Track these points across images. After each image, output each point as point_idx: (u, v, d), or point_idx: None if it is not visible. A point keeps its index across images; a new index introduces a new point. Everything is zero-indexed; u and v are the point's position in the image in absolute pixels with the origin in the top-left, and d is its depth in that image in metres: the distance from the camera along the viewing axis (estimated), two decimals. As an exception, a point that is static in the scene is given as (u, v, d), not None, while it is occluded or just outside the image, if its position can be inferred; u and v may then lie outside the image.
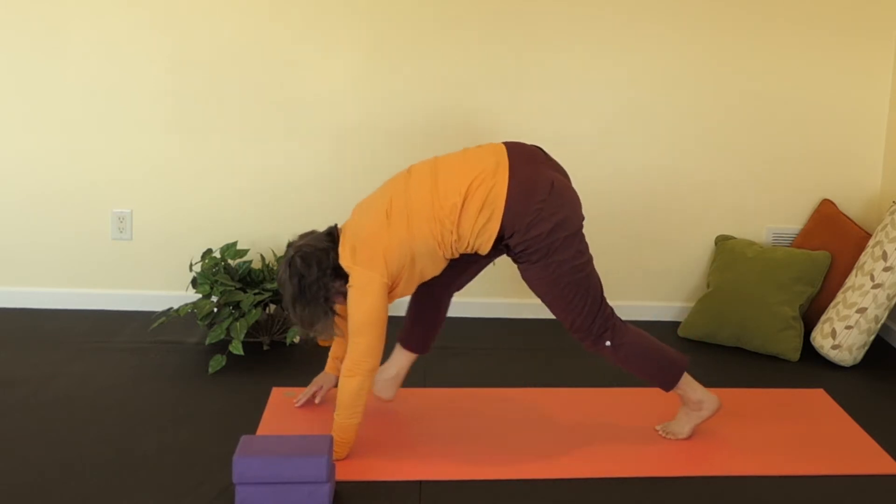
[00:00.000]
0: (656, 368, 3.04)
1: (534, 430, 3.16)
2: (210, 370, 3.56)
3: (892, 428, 3.25)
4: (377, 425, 3.15)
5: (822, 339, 3.86)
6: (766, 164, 4.27)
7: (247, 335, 3.81)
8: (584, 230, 2.94)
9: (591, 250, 2.88)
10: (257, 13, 4.05)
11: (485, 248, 2.88)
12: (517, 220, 2.81)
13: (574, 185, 4.25)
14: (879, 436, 3.18)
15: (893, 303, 3.77)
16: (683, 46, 4.15)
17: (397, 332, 3.24)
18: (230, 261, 3.93)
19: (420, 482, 2.80)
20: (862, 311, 3.76)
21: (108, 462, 2.87)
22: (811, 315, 4.06)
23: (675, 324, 4.26)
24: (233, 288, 3.73)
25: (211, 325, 3.72)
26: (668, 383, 3.06)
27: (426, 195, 2.84)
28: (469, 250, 2.92)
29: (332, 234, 2.95)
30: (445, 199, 2.82)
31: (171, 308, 3.85)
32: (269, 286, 3.80)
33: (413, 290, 3.00)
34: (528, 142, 4.17)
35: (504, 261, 3.14)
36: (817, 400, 3.49)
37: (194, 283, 3.85)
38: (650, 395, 3.41)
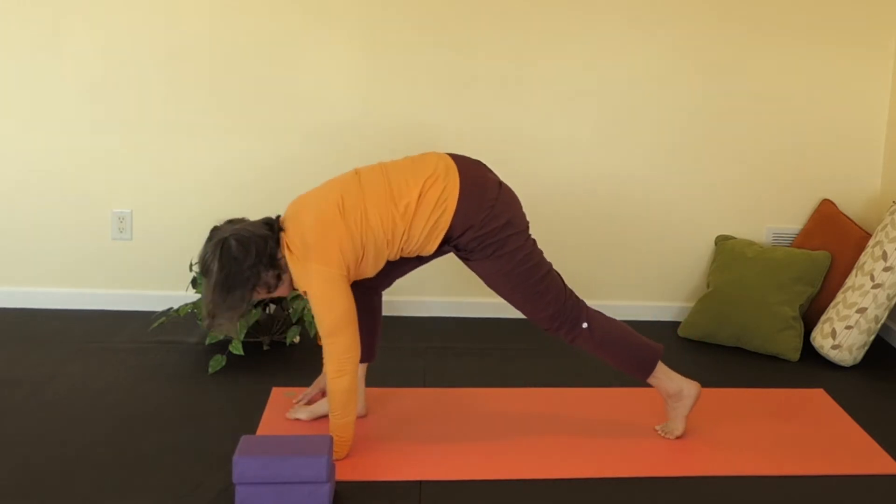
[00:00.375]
0: (634, 352, 3.04)
1: (534, 430, 3.16)
2: (210, 370, 3.56)
3: (892, 428, 3.25)
4: (377, 425, 3.15)
5: (822, 339, 3.86)
6: (766, 164, 4.27)
7: (247, 335, 3.81)
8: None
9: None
10: (258, 13, 4.05)
11: (430, 249, 2.91)
12: (469, 218, 2.84)
13: (573, 185, 4.27)
14: (879, 436, 3.18)
15: (893, 303, 3.77)
16: (682, 47, 4.15)
17: None
18: (230, 261, 3.92)
19: (420, 482, 2.80)
20: (862, 311, 3.76)
21: (108, 462, 2.87)
22: (811, 315, 4.06)
23: (675, 324, 4.26)
24: (233, 288, 3.73)
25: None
26: (646, 369, 3.06)
27: (381, 193, 2.85)
28: (414, 252, 2.93)
29: (271, 224, 2.87)
30: (400, 198, 2.83)
31: (171, 308, 3.85)
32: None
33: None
34: (529, 142, 4.20)
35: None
36: (817, 400, 3.49)
37: (194, 283, 3.85)
38: (650, 395, 3.40)
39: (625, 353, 3.05)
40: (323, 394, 3.26)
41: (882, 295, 3.74)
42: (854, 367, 3.83)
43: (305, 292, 2.86)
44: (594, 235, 4.27)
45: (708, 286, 4.19)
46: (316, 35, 4.08)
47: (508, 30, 4.10)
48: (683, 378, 3.12)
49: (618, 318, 3.13)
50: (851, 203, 4.29)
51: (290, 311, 3.74)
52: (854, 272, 3.87)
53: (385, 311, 3.26)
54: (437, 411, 3.29)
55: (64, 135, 4.12)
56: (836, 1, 4.14)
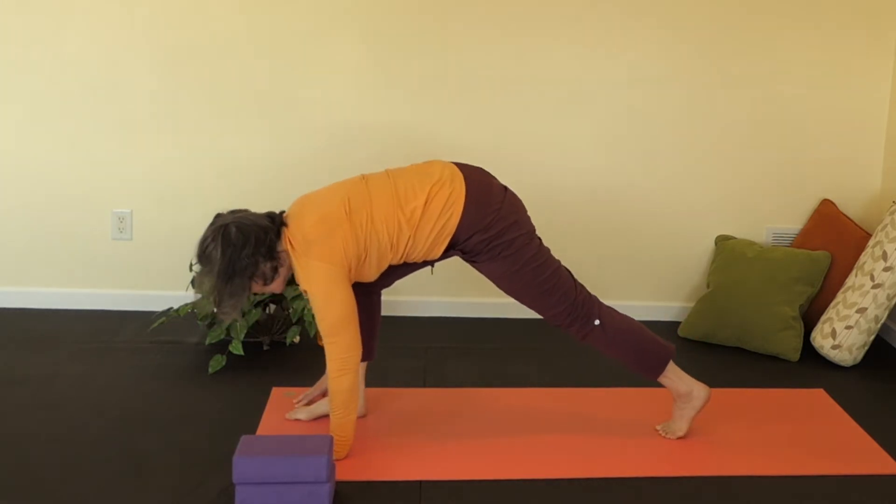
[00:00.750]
0: (646, 351, 3.04)
1: (534, 430, 3.16)
2: (210, 370, 3.57)
3: (892, 428, 3.25)
4: (377, 425, 3.16)
5: (822, 339, 3.86)
6: (766, 164, 4.27)
7: (247, 335, 3.81)
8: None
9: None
10: (258, 13, 4.05)
11: (436, 254, 2.92)
12: (476, 223, 2.86)
13: (573, 185, 4.27)
14: (879, 436, 3.18)
15: (893, 303, 3.77)
16: (682, 48, 4.15)
17: None
18: (230, 261, 3.92)
19: (420, 482, 2.80)
20: (862, 311, 3.76)
21: (108, 462, 2.87)
22: (811, 315, 4.06)
23: (675, 324, 4.26)
24: (233, 288, 3.73)
25: (211, 325, 3.72)
26: (657, 369, 3.05)
27: (389, 197, 2.86)
28: (420, 258, 2.94)
29: (273, 217, 2.88)
30: (406, 202, 2.85)
31: (171, 308, 3.85)
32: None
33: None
34: (530, 142, 4.20)
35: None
36: (817, 400, 3.49)
37: (194, 283, 3.84)
38: (650, 395, 3.41)
39: (636, 352, 3.05)
40: (323, 395, 3.26)
41: (882, 295, 3.74)
42: (854, 367, 3.83)
43: (306, 291, 2.86)
44: (594, 235, 4.27)
45: (708, 286, 4.19)
46: (318, 36, 4.08)
47: (509, 30, 4.10)
48: (694, 380, 3.12)
49: (618, 317, 3.13)
50: (851, 203, 4.29)
51: (290, 311, 3.74)
52: (854, 272, 3.87)
53: (385, 311, 3.26)
54: (437, 411, 3.30)
55: (64, 135, 4.13)
56: (836, 3, 4.14)
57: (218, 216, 2.88)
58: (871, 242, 3.88)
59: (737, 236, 4.30)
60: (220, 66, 4.09)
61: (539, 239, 2.98)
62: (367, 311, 3.10)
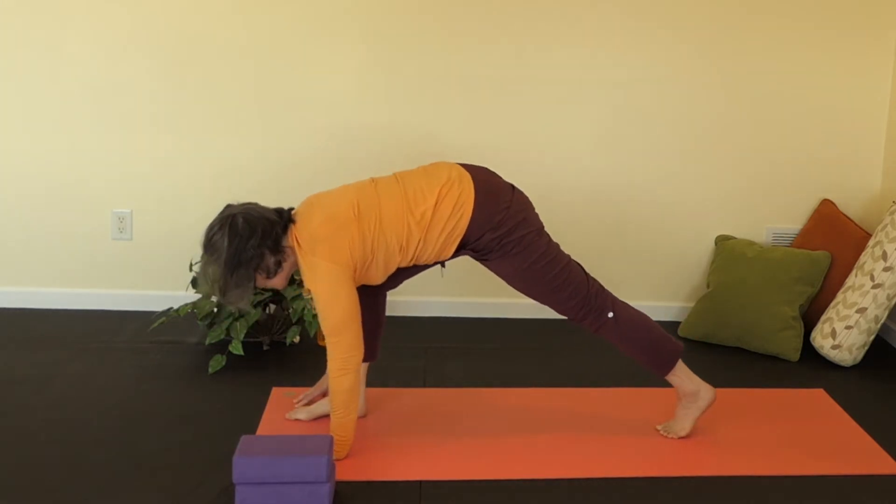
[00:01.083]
0: (657, 347, 3.05)
1: (534, 430, 3.16)
2: (210, 370, 3.57)
3: (892, 428, 3.25)
4: (377, 425, 3.16)
5: (822, 339, 3.86)
6: (766, 164, 4.27)
7: (247, 335, 3.81)
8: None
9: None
10: (258, 13, 4.05)
11: (447, 254, 2.93)
12: (486, 223, 2.87)
13: (574, 185, 4.28)
14: (879, 436, 3.18)
15: (893, 303, 3.77)
16: (682, 48, 4.15)
17: None
18: (230, 261, 3.92)
19: (420, 482, 2.80)
20: (862, 311, 3.76)
21: (108, 462, 2.87)
22: (811, 315, 4.06)
23: (675, 324, 4.26)
24: (233, 288, 3.73)
25: (211, 325, 3.72)
26: (667, 365, 3.06)
27: (398, 200, 2.86)
28: (431, 259, 2.94)
29: (281, 213, 2.89)
30: (416, 205, 2.85)
31: (171, 308, 3.85)
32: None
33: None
34: (530, 141, 4.20)
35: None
36: (817, 400, 3.49)
37: (194, 283, 3.85)
38: (650, 395, 3.41)
39: (648, 347, 3.05)
40: (323, 395, 3.26)
41: (882, 295, 3.74)
42: (854, 367, 3.83)
43: (309, 290, 2.86)
44: (594, 235, 4.27)
45: (708, 286, 4.19)
46: (318, 36, 4.08)
47: (509, 30, 4.09)
48: (702, 381, 3.12)
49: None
50: (851, 203, 4.29)
51: (290, 311, 3.74)
52: (854, 272, 3.87)
53: (386, 311, 3.26)
54: (437, 411, 3.30)
55: (64, 135, 4.13)
56: (836, 2, 4.14)
57: (228, 206, 2.89)
58: (871, 242, 3.88)
59: (737, 236, 4.30)
60: (219, 66, 4.09)
61: (548, 235, 3.00)
62: (371, 311, 3.10)
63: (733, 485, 2.85)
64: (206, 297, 3.75)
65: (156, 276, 4.24)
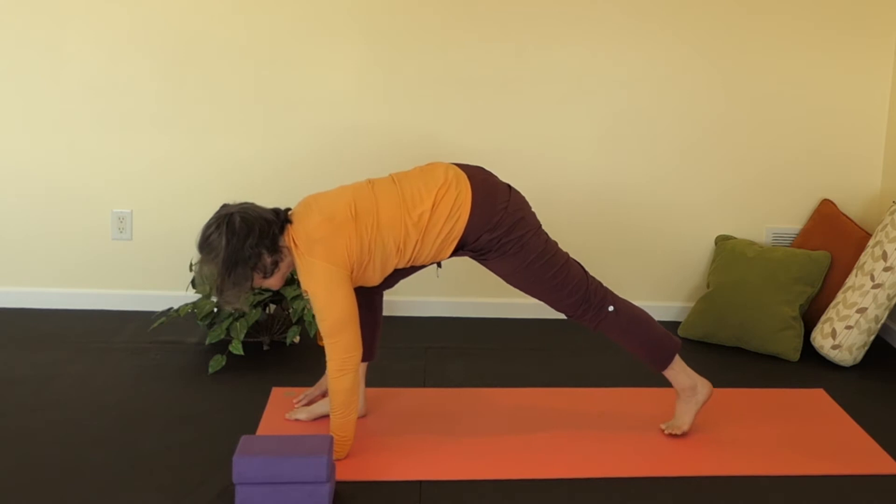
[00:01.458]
0: (656, 341, 3.06)
1: (533, 430, 3.15)
2: (210, 370, 3.56)
3: (892, 428, 3.25)
4: (377, 425, 3.15)
5: (822, 339, 3.86)
6: (765, 164, 4.27)
7: (247, 335, 3.81)
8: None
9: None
10: (258, 13, 4.05)
11: (445, 255, 2.93)
12: (483, 224, 2.87)
13: (574, 185, 4.28)
14: (879, 436, 3.18)
15: (893, 303, 3.77)
16: (682, 48, 4.15)
17: None
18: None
19: (420, 482, 2.80)
20: (862, 311, 3.76)
21: (108, 462, 2.87)
22: (811, 315, 4.06)
23: (675, 324, 4.26)
24: (233, 288, 3.73)
25: (211, 325, 3.72)
26: (665, 360, 3.07)
27: (396, 202, 2.86)
28: (428, 261, 2.95)
29: (278, 212, 2.89)
30: (413, 207, 2.85)
31: (171, 308, 3.85)
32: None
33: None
34: (529, 141, 4.20)
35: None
36: (817, 400, 3.49)
37: (194, 283, 3.85)
38: (650, 396, 3.41)
39: (648, 342, 3.06)
40: (324, 395, 3.26)
41: (882, 295, 3.74)
42: (854, 367, 3.83)
43: (307, 291, 2.86)
44: (594, 235, 4.27)
45: (708, 286, 4.19)
46: (318, 36, 4.08)
47: (509, 30, 4.09)
48: (698, 375, 3.14)
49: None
50: (851, 203, 4.29)
51: (290, 311, 3.74)
52: (854, 272, 3.87)
53: (385, 311, 3.26)
54: (437, 411, 3.30)
55: (64, 135, 4.13)
56: (836, 2, 4.14)
57: (224, 206, 2.89)
58: (871, 242, 3.88)
59: (737, 236, 4.30)
60: (219, 66, 4.09)
61: (546, 234, 3.00)
62: (368, 311, 3.10)
63: (733, 485, 2.85)
64: (206, 297, 3.75)
65: (156, 276, 4.24)
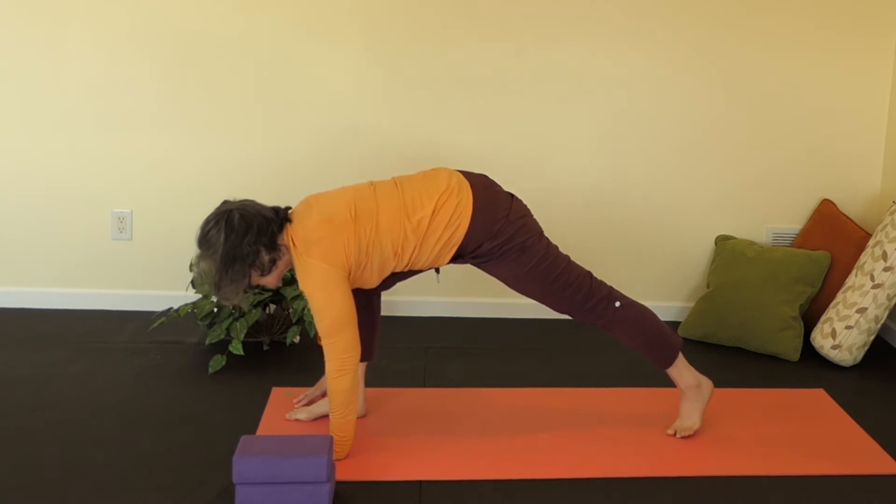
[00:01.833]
0: (661, 338, 3.07)
1: (534, 430, 3.15)
2: (210, 370, 3.56)
3: (892, 428, 3.25)
4: (377, 425, 3.15)
5: (822, 339, 3.86)
6: (765, 164, 4.27)
7: (247, 335, 3.81)
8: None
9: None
10: (257, 13, 4.05)
11: (443, 262, 2.94)
12: (483, 233, 2.87)
13: (574, 185, 4.28)
14: (879, 436, 3.18)
15: (893, 303, 3.77)
16: (682, 48, 4.15)
17: None
18: (230, 261, 3.92)
19: (420, 482, 2.80)
20: (862, 311, 3.76)
21: (108, 462, 2.87)
22: (811, 315, 4.06)
23: (675, 324, 4.26)
24: (233, 288, 3.73)
25: (211, 325, 3.72)
26: (670, 357, 3.08)
27: (396, 205, 2.86)
28: (426, 266, 2.95)
29: (278, 211, 2.89)
30: (413, 212, 2.85)
31: (171, 308, 3.85)
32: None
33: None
34: (529, 142, 4.20)
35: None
36: (817, 400, 3.49)
37: (194, 283, 3.85)
38: (650, 396, 3.41)
39: (654, 339, 3.07)
40: (323, 395, 3.26)
41: (882, 295, 3.74)
42: (854, 367, 3.83)
43: (305, 291, 2.86)
44: (594, 235, 4.27)
45: (708, 286, 4.19)
46: (318, 35, 4.08)
47: (509, 30, 4.09)
48: (699, 373, 3.15)
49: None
50: (851, 203, 4.29)
51: (290, 311, 3.74)
52: (854, 272, 3.87)
53: (385, 311, 3.27)
54: (437, 411, 3.29)
55: (64, 135, 4.13)
56: (836, 2, 4.14)
57: (224, 202, 2.89)
58: (871, 242, 3.88)
59: (737, 236, 4.30)
60: (219, 66, 4.09)
61: (547, 239, 3.00)
62: (366, 311, 3.10)
63: (733, 485, 2.85)
64: (206, 297, 3.75)
65: (156, 276, 4.24)
